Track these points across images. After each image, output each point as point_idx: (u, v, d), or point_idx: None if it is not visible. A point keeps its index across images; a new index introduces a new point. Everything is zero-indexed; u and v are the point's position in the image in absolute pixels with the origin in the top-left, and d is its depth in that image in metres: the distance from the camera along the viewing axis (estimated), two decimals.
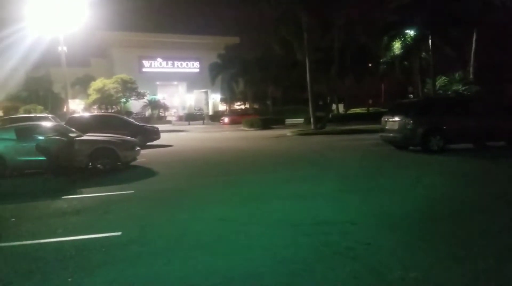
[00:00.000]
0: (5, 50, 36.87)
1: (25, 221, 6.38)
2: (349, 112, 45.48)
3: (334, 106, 41.20)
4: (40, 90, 41.58)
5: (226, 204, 7.02)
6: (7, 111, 37.53)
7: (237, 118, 41.40)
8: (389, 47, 28.39)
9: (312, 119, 26.14)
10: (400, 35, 27.25)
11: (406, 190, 7.88)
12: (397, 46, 27.86)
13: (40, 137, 10.54)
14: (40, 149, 10.21)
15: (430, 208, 6.45)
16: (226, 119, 42.92)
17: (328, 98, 30.14)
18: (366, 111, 43.35)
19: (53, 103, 41.09)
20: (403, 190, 7.93)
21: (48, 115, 22.97)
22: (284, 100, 48.77)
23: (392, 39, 27.71)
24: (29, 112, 30.17)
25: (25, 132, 11.11)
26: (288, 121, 37.44)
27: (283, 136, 23.50)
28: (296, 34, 24.86)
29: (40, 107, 36.23)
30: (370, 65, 38.22)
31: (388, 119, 14.08)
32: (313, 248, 4.77)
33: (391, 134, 13.84)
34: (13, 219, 6.50)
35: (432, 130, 12.78)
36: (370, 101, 48.29)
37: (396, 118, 13.51)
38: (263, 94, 46.36)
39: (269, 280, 3.98)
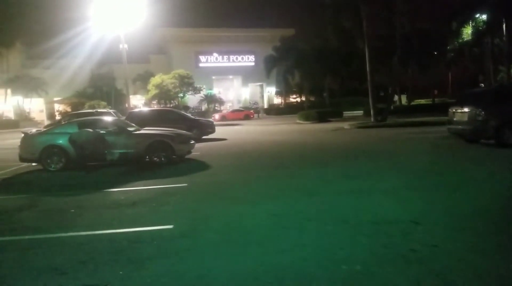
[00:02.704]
0: (73, 49, 39.26)
1: (84, 212, 6.56)
2: (412, 103, 43.20)
3: (396, 97, 39.30)
4: (104, 86, 43.78)
5: (279, 199, 6.78)
6: (74, 106, 39.92)
7: (232, 115, 40.41)
8: (457, 33, 26.47)
9: (372, 111, 25.06)
10: (471, 19, 25.25)
11: (477, 188, 7.18)
12: (466, 32, 25.89)
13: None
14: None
15: (504, 208, 5.81)
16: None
17: (390, 88, 28.64)
18: (431, 102, 41.06)
19: (116, 99, 43.10)
20: (473, 187, 7.24)
21: (110, 110, 24.05)
22: (342, 92, 47.49)
23: (461, 24, 25.79)
24: (94, 108, 31.83)
25: (87, 126, 11.56)
26: (346, 113, 36.28)
27: (340, 129, 22.78)
28: (354, 23, 23.85)
29: (103, 103, 38.14)
30: (435, 53, 35.95)
31: (456, 110, 13.09)
32: (372, 249, 4.40)
33: (459, 126, 12.87)
34: (73, 210, 6.71)
35: (507, 121, 11.66)
36: (436, 92, 45.62)
37: (466, 109, 12.49)
38: (319, 86, 45.39)
39: (324, 282, 3.69)
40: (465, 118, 12.47)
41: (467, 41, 26.92)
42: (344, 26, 24.85)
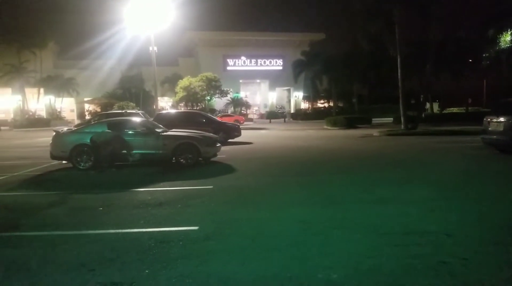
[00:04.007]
0: (104, 51, 40.31)
1: (111, 211, 6.67)
2: (444, 111, 42.09)
3: (427, 105, 38.33)
4: (132, 88, 44.70)
5: (305, 206, 6.71)
6: (104, 107, 40.90)
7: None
8: (494, 40, 25.58)
9: (402, 119, 24.54)
10: (509, 26, 24.38)
11: (511, 200, 6.90)
12: (504, 39, 25.01)
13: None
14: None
15: None
16: None
17: (421, 96, 27.95)
18: (464, 111, 39.86)
19: (144, 100, 43.91)
20: (507, 200, 6.96)
21: (139, 112, 24.49)
22: (371, 98, 46.68)
23: (499, 31, 24.92)
24: (122, 108, 32.49)
25: (117, 126, 11.80)
26: (375, 120, 35.67)
27: (369, 136, 22.42)
28: (386, 28, 23.43)
29: (132, 104, 38.87)
30: (470, 60, 34.91)
31: (491, 119, 12.68)
32: (401, 260, 4.28)
33: (494, 136, 12.46)
34: (101, 208, 6.84)
35: None
36: (469, 100, 44.29)
37: (502, 119, 12.07)
38: (348, 91, 44.82)
39: None
40: (501, 128, 12.07)
41: (504, 49, 25.92)
42: (375, 32, 24.43)
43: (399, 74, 24.31)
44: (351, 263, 4.23)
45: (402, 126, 24.30)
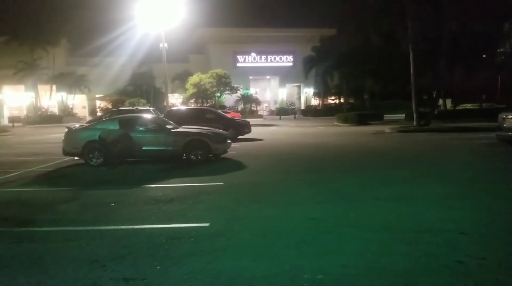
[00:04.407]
0: (116, 48, 40.54)
1: (123, 207, 6.70)
2: (458, 108, 41.41)
3: (440, 101, 37.67)
4: (143, 85, 44.84)
5: (317, 203, 6.66)
6: (115, 104, 41.17)
7: None
8: (510, 35, 24.99)
9: (414, 115, 24.20)
10: None
11: None
12: None
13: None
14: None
15: None
16: None
17: (434, 92, 27.42)
18: (478, 107, 39.18)
19: (155, 97, 44.07)
20: None
21: (150, 108, 24.56)
22: (383, 95, 45.98)
23: None
24: (133, 105, 32.59)
25: (128, 123, 11.85)
26: (387, 116, 35.22)
27: (381, 132, 22.16)
28: (398, 23, 23.03)
29: (143, 101, 39.01)
30: (484, 56, 34.24)
31: (507, 116, 12.49)
32: (415, 259, 4.21)
33: (510, 133, 12.26)
34: (112, 204, 6.87)
35: None
36: (484, 97, 43.53)
37: None
38: (359, 87, 44.30)
39: None
40: None
41: None
42: (387, 27, 24.06)
43: (411, 70, 23.97)
44: (364, 261, 4.18)
45: (415, 123, 23.97)
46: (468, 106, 42.54)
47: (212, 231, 5.22)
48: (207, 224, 5.49)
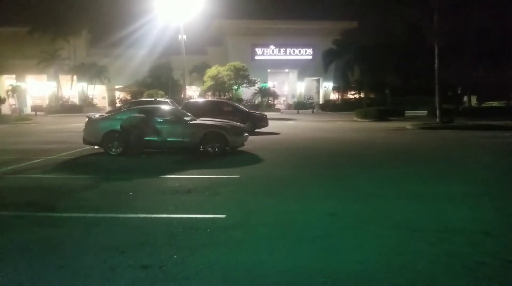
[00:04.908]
0: (135, 40, 40.91)
1: (141, 196, 6.78)
2: (483, 105, 40.21)
3: (465, 98, 36.69)
4: (162, 76, 45.13)
5: (334, 199, 6.59)
6: (134, 95, 41.62)
7: None
8: None
9: (438, 112, 23.45)
10: None
11: None
12: None
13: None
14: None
15: None
16: None
17: (459, 88, 26.57)
18: (505, 105, 37.94)
19: (173, 89, 44.30)
20: None
21: (168, 100, 24.69)
22: (404, 90, 44.86)
23: None
24: (152, 97, 32.88)
25: (147, 113, 11.90)
26: (408, 113, 34.47)
27: (402, 129, 21.73)
28: (424, 16, 22.26)
29: (161, 92, 39.28)
30: None
31: None
32: (436, 259, 4.13)
33: None
34: (131, 193, 6.96)
35: None
36: None
37: None
38: (380, 82, 43.49)
39: None
40: None
41: None
42: (412, 19, 23.27)
43: (436, 65, 23.26)
44: (383, 258, 4.12)
45: (437, 120, 23.31)
46: (494, 103, 41.16)
47: (229, 223, 5.23)
48: (223, 216, 5.49)
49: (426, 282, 3.63)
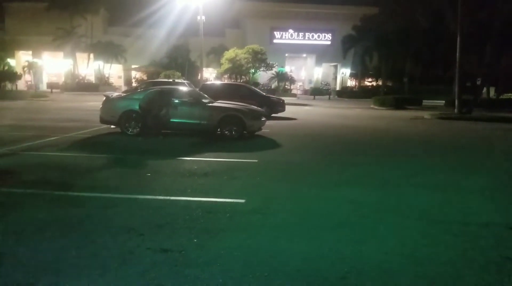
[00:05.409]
0: (154, 20, 40.71)
1: (159, 177, 6.75)
2: (502, 97, 39.38)
3: (484, 89, 35.81)
4: (178, 57, 44.96)
5: (354, 186, 6.47)
6: (150, 75, 41.57)
7: None
8: None
9: (457, 102, 23.07)
10: None
11: None
12: None
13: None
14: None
15: None
16: None
17: (479, 79, 25.93)
18: None
19: (189, 71, 44.18)
20: None
21: (185, 81, 24.57)
22: (423, 79, 44.09)
23: None
24: (169, 78, 32.75)
25: (165, 95, 11.81)
26: (426, 102, 34.01)
27: (420, 118, 21.35)
28: (447, 3, 21.58)
29: (178, 73, 39.17)
30: None
31: None
32: (461, 251, 4.02)
33: None
34: (149, 174, 6.93)
35: None
36: None
37: None
38: (399, 70, 42.70)
39: (406, 280, 3.42)
40: None
41: None
42: (436, 6, 22.61)
43: (457, 54, 22.74)
44: (407, 249, 4.02)
45: (456, 110, 22.91)
46: None
47: (248, 208, 5.16)
48: (242, 201, 5.43)
49: (451, 274, 3.54)
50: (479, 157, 10.02)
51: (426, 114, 22.54)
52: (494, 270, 3.65)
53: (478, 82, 27.60)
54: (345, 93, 47.93)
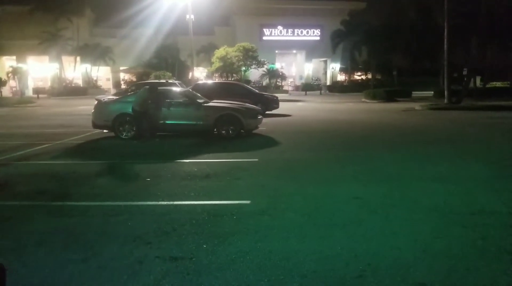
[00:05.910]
0: (141, 20, 40.24)
1: (159, 182, 6.59)
2: (488, 86, 40.01)
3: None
4: (168, 57, 44.49)
5: (358, 181, 6.42)
6: (139, 76, 40.82)
7: None
8: None
9: (446, 93, 23.44)
10: None
11: None
12: None
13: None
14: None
15: None
16: None
17: (466, 69, 26.42)
18: (508, 85, 37.83)
19: (179, 70, 43.74)
20: None
21: (176, 82, 24.29)
22: (411, 71, 44.60)
23: None
24: (159, 78, 32.27)
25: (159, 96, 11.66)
26: (415, 93, 34.51)
27: (411, 109, 21.52)
28: None
29: (168, 74, 38.72)
30: None
31: None
32: (471, 242, 4.01)
33: None
34: (148, 179, 6.79)
35: None
36: None
37: None
38: (388, 64, 43.01)
39: (422, 274, 3.38)
40: None
41: None
42: (422, 0, 22.88)
43: (445, 46, 23.00)
44: (418, 244, 3.99)
45: (446, 100, 23.24)
46: (498, 84, 41.06)
47: (255, 209, 5.07)
48: (248, 202, 5.34)
49: (465, 267, 3.51)
50: (473, 146, 10.08)
51: (417, 106, 22.79)
52: (507, 259, 3.64)
53: (465, 72, 27.98)
54: (336, 88, 48.03)
